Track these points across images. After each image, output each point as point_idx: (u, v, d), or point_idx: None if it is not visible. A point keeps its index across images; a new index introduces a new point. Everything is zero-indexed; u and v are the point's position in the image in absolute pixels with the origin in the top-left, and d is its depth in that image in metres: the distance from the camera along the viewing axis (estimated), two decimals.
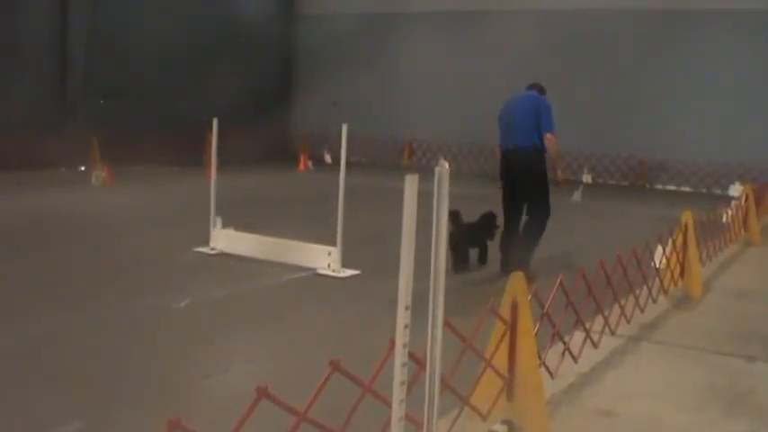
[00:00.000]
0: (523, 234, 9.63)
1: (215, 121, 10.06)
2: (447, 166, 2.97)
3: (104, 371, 5.85)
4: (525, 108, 9.63)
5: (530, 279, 6.25)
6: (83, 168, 19.56)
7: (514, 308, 4.59)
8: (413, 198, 2.72)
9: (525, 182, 9.58)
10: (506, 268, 9.07)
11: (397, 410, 2.89)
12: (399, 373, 2.86)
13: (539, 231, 9.61)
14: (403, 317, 2.78)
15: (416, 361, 3.39)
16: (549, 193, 9.66)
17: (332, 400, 3.64)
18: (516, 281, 4.64)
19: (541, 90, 9.94)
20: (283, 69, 28.66)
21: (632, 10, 22.76)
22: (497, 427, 4.62)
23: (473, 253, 9.80)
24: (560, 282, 5.39)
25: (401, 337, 2.82)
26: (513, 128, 9.63)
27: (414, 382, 3.51)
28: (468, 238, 9.63)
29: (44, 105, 20.65)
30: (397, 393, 2.87)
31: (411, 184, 2.67)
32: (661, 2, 22.54)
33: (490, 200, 9.90)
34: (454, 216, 9.15)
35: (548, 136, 9.44)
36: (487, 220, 9.85)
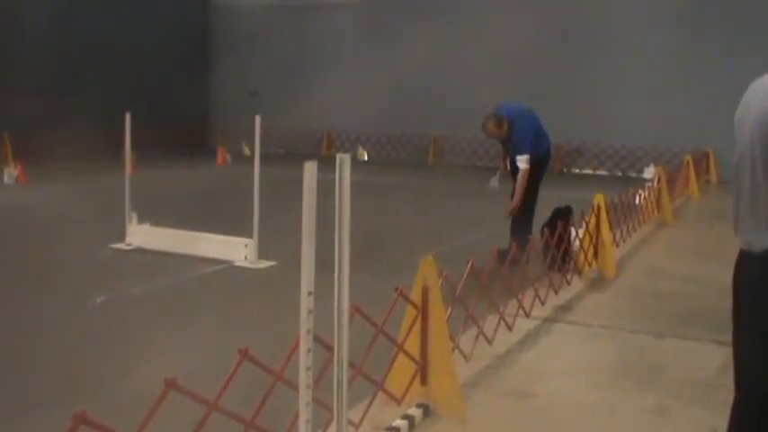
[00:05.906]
0: None
1: (128, 116, 9.94)
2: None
3: (19, 371, 5.74)
4: None
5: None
6: None
7: (425, 292, 4.63)
8: (312, 185, 2.74)
9: None
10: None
11: (305, 395, 2.91)
12: (305, 358, 2.88)
13: None
14: (306, 303, 2.81)
15: (325, 347, 3.41)
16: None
17: (246, 390, 3.67)
18: (426, 266, 4.69)
19: None
20: (200, 62, 28.32)
21: None
22: (412, 411, 4.67)
23: None
24: (471, 265, 5.46)
25: (305, 323, 2.84)
26: None
27: (327, 369, 3.54)
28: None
29: None
30: (304, 378, 2.90)
31: (310, 170, 2.69)
32: None
33: (410, 187, 9.92)
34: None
35: None
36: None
